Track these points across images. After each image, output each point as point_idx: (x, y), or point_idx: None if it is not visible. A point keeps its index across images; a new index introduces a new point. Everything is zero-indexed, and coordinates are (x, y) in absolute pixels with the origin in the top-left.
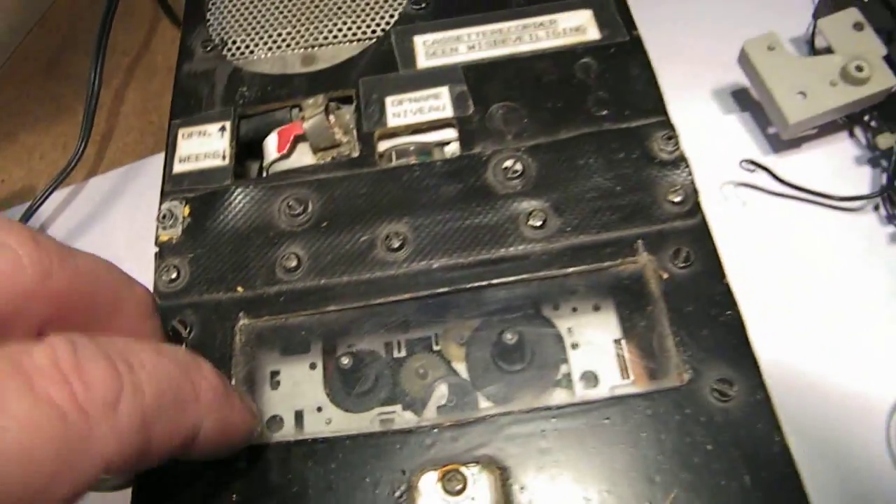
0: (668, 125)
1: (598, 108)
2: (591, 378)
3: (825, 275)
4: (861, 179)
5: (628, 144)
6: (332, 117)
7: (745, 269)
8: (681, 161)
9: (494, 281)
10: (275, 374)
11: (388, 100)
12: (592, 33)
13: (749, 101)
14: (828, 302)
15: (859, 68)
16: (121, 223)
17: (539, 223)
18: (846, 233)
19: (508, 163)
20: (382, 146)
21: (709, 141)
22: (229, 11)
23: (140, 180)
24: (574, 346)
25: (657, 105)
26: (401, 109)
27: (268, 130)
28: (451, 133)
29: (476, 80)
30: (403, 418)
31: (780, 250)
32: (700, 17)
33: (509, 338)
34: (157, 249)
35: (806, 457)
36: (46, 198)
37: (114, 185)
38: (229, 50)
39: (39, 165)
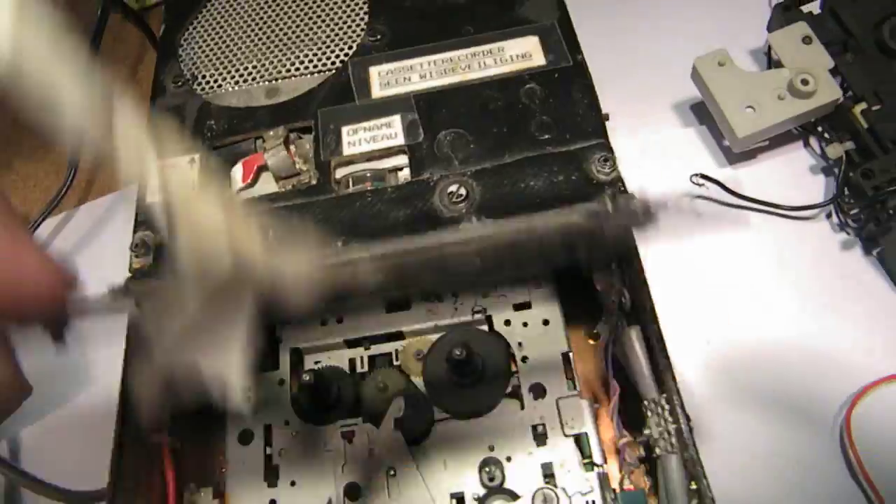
0: (606, 147)
1: (540, 132)
2: (539, 390)
3: (781, 283)
4: (817, 188)
5: (568, 167)
6: (292, 147)
7: (702, 279)
8: (617, 181)
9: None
10: (246, 390)
11: (344, 129)
12: (538, 59)
13: (707, 114)
14: (783, 308)
15: (805, 82)
16: (111, 246)
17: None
18: (800, 241)
19: (453, 188)
20: (340, 173)
21: (667, 153)
22: (199, 47)
23: (128, 205)
24: (524, 359)
25: (596, 128)
26: (356, 138)
27: (234, 161)
28: (403, 159)
29: (427, 108)
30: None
31: (736, 260)
32: (661, 31)
33: (458, 353)
34: (129, 275)
35: (759, 456)
36: (39, 224)
37: (104, 211)
38: (199, 84)
39: (35, 193)
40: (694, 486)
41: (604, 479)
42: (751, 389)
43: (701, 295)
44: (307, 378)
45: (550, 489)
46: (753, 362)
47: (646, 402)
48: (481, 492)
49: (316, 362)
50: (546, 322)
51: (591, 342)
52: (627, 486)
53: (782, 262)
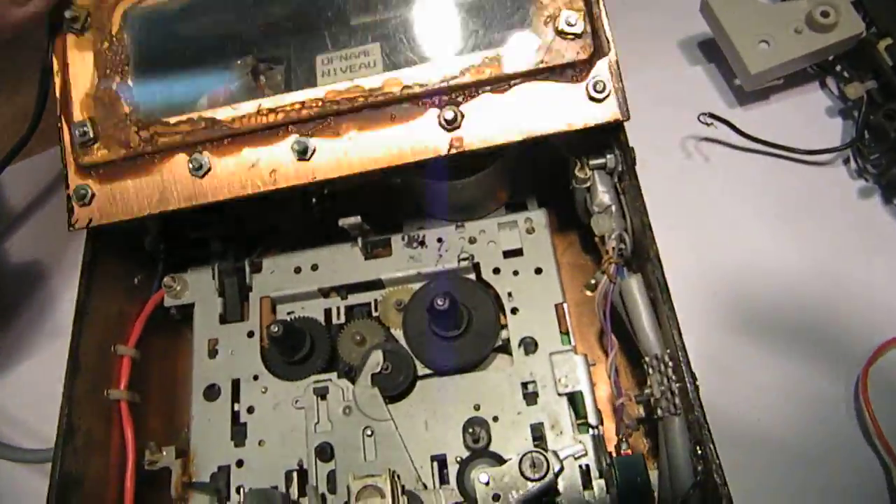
0: None
1: None
2: (530, 344)
3: (794, 232)
4: (833, 131)
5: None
6: (262, 78)
7: (709, 228)
8: None
9: None
10: (214, 342)
11: (319, 59)
12: None
13: (716, 52)
14: (797, 259)
15: (825, 14)
16: None
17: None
18: (816, 188)
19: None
20: None
21: (673, 94)
22: None
23: None
24: (514, 310)
25: None
26: (330, 68)
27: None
28: None
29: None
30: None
31: (746, 208)
32: None
33: (440, 303)
34: None
35: (770, 412)
36: (5, 167)
37: None
38: None
39: (2, 137)
40: (699, 451)
41: (598, 442)
42: (761, 344)
43: (708, 244)
44: (275, 329)
45: (540, 453)
46: (764, 316)
47: (647, 359)
48: (465, 454)
49: (289, 313)
50: (539, 271)
51: (588, 294)
52: (625, 450)
53: (796, 209)
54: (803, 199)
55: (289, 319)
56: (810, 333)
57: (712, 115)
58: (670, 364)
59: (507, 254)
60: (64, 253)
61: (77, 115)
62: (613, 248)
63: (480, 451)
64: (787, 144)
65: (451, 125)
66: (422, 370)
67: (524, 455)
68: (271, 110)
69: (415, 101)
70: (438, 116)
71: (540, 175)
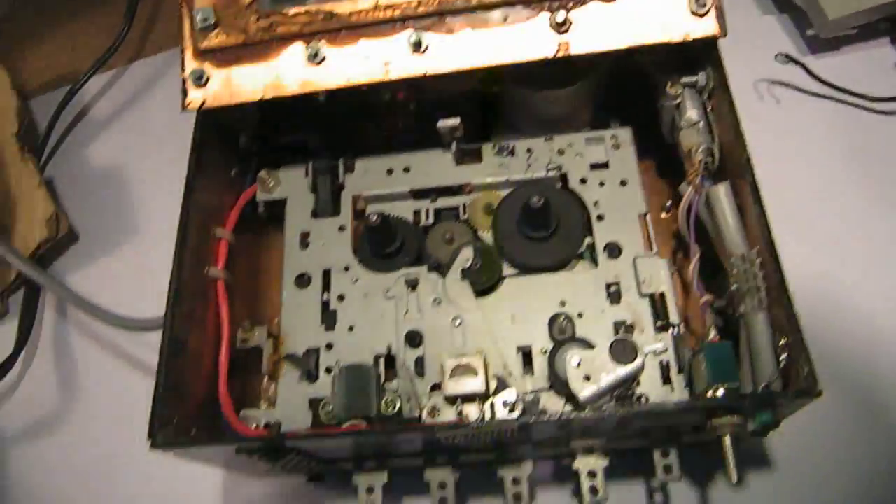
0: None
1: None
2: (614, 249)
3: (858, 179)
4: None
5: None
6: None
7: (777, 169)
8: None
9: None
10: (305, 235)
11: None
12: None
13: (788, 3)
14: (860, 207)
15: None
16: (161, 106)
17: None
18: (882, 135)
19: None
20: None
21: (746, 41)
22: None
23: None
24: (599, 217)
25: None
26: None
27: None
28: None
29: None
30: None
31: (814, 151)
32: None
33: (535, 200)
34: None
35: (833, 357)
36: (87, 80)
37: (156, 70)
38: None
39: (84, 51)
40: (783, 341)
41: (679, 340)
42: (822, 294)
43: (775, 184)
44: (374, 219)
45: (630, 339)
46: (825, 258)
47: (732, 260)
48: (549, 346)
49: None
50: (624, 182)
51: (664, 216)
52: (713, 336)
53: (862, 155)
54: (870, 145)
55: (382, 213)
56: (873, 275)
57: (788, 56)
58: (758, 260)
59: (594, 166)
60: (142, 158)
61: (200, 1)
62: (700, 161)
63: (567, 339)
64: (853, 90)
65: (560, 28)
66: (507, 270)
67: (615, 340)
68: (389, 6)
69: (527, 3)
70: (549, 19)
71: (622, 99)
